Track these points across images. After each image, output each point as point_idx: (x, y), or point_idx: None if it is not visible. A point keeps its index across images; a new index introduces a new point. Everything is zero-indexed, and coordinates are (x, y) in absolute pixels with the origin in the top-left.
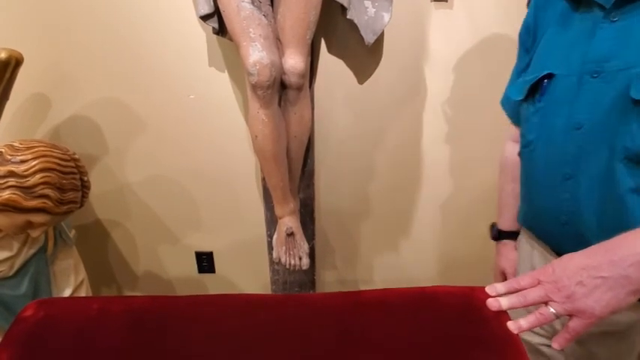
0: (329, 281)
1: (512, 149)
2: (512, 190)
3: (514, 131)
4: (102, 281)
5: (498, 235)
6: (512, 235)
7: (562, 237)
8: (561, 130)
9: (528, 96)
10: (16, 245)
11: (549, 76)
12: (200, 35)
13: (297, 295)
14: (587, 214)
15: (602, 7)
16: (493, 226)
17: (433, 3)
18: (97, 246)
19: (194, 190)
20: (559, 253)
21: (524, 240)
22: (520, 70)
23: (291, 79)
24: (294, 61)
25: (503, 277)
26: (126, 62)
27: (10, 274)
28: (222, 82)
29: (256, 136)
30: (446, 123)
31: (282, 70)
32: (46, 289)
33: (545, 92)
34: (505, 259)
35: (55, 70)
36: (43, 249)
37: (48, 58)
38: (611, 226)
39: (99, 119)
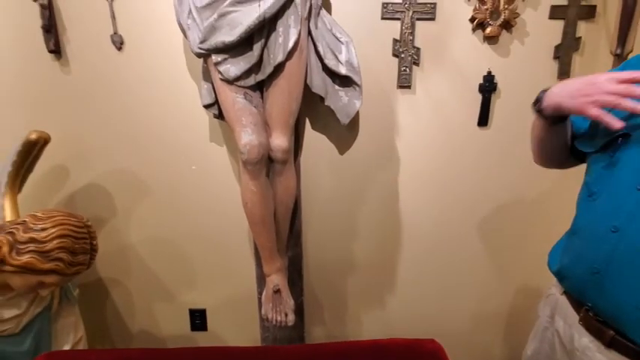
0: (318, 337)
1: None
2: None
3: None
4: (97, 337)
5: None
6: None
7: (587, 286)
8: (625, 187)
9: (601, 150)
10: (24, 304)
11: (625, 135)
12: (204, 117)
13: (266, 347)
14: (619, 268)
15: None
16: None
17: (399, 90)
18: (97, 303)
19: (191, 250)
20: (579, 302)
21: (556, 292)
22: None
23: (277, 155)
24: (279, 141)
25: None
26: (138, 137)
27: (17, 331)
28: (220, 155)
29: (246, 203)
30: (419, 185)
31: (269, 148)
32: (46, 345)
33: (618, 149)
34: None
35: (76, 145)
36: (48, 307)
37: (69, 134)
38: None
39: (110, 186)
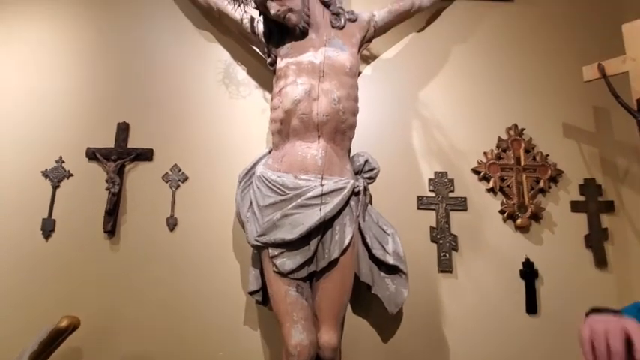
0: None
1: None
2: None
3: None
4: None
5: None
6: None
7: None
8: None
9: None
10: None
11: None
12: (241, 299)
13: None
14: None
15: None
16: None
17: (441, 274)
18: None
19: None
20: None
21: None
22: None
23: (325, 353)
24: (328, 337)
25: None
26: (166, 318)
27: None
28: (252, 340)
29: None
30: None
31: (317, 346)
32: None
33: None
34: None
35: (98, 325)
36: None
37: (96, 314)
38: None
39: None
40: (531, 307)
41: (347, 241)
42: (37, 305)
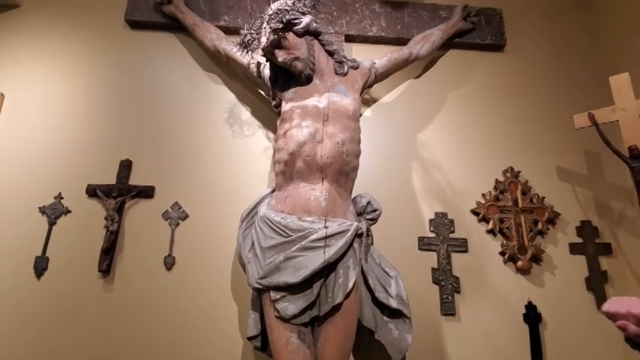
0: None
1: None
2: None
3: None
4: None
5: None
6: None
7: None
8: None
9: None
10: None
11: None
12: (238, 342)
13: None
14: None
15: None
16: None
17: (444, 317)
18: None
19: None
20: None
21: None
22: None
23: None
24: None
25: None
26: None
27: None
28: None
29: None
30: None
31: None
32: None
33: None
34: None
35: None
36: None
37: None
38: None
39: None
40: (537, 354)
41: (351, 285)
42: (22, 351)
